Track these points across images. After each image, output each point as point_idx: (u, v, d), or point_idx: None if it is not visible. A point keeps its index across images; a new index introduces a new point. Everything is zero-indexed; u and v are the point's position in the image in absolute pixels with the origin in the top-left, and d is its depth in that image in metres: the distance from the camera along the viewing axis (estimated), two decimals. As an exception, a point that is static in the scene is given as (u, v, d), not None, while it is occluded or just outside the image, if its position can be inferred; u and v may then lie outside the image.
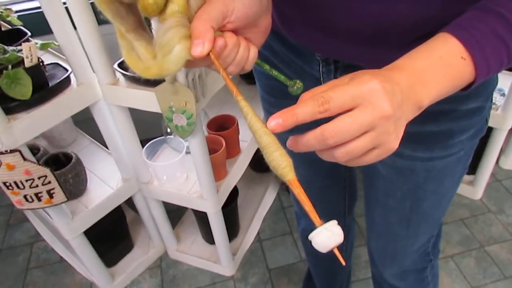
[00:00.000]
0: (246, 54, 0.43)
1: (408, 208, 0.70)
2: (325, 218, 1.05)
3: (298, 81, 0.52)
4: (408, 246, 0.78)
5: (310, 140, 0.34)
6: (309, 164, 0.78)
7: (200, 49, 0.38)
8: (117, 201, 1.19)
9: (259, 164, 1.61)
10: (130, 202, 1.28)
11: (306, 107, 0.33)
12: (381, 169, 0.67)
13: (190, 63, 0.41)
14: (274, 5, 0.46)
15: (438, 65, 0.37)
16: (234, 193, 1.35)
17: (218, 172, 1.12)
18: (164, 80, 0.82)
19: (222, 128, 1.18)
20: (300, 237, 1.13)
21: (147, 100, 0.91)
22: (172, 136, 1.20)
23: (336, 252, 0.35)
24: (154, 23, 0.45)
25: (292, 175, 0.36)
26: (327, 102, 0.33)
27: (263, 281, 1.41)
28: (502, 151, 1.60)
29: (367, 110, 0.33)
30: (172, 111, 0.86)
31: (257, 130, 0.36)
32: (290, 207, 1.65)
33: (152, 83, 0.87)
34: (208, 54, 0.39)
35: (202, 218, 1.33)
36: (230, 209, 1.33)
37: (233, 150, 1.22)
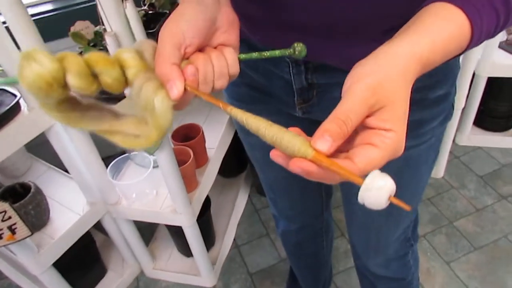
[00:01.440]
0: (223, 61, 0.41)
1: None
2: (306, 217, 1.05)
3: (296, 44, 0.45)
4: (390, 236, 0.79)
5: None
6: (284, 170, 0.77)
7: (175, 90, 0.37)
8: (85, 227, 1.12)
9: (227, 169, 1.59)
10: (98, 224, 1.22)
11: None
12: None
13: (180, 104, 0.39)
14: (238, 9, 0.44)
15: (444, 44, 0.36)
16: (207, 202, 1.32)
17: (189, 183, 1.09)
18: (125, 96, 0.78)
19: (187, 138, 1.15)
20: (280, 238, 1.12)
21: (107, 119, 0.86)
22: (136, 152, 1.15)
23: (394, 200, 0.32)
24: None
25: (311, 151, 0.32)
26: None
27: (246, 287, 1.39)
28: (457, 129, 1.67)
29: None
30: (136, 128, 0.83)
31: (258, 128, 0.35)
32: (263, 209, 1.64)
33: (113, 99, 0.82)
34: (185, 89, 0.38)
35: (176, 231, 1.29)
36: (205, 219, 1.30)
37: (201, 159, 1.19)
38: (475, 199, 1.59)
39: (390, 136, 0.32)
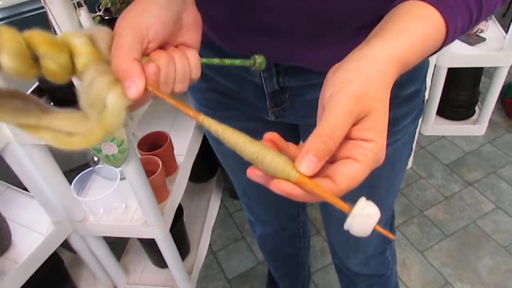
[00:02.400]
0: (186, 63, 0.38)
1: (361, 194, 0.70)
2: (282, 220, 1.03)
3: (256, 57, 0.45)
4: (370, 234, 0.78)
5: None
6: None
7: (134, 89, 0.33)
8: (51, 248, 1.06)
9: (197, 175, 1.55)
10: (65, 242, 1.16)
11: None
12: None
13: (135, 105, 0.35)
14: (203, 11, 0.41)
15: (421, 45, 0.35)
16: (179, 210, 1.28)
17: (159, 193, 1.05)
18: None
19: (154, 146, 1.11)
20: (257, 243, 1.10)
21: (67, 133, 0.81)
22: (102, 165, 1.10)
23: (379, 229, 0.32)
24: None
25: (295, 173, 0.30)
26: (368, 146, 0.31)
27: (225, 294, 1.36)
28: (422, 120, 1.71)
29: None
30: (99, 141, 0.78)
31: (237, 143, 0.32)
32: (237, 212, 1.62)
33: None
34: (146, 88, 0.34)
35: (149, 243, 1.25)
36: (178, 229, 1.26)
37: (170, 167, 1.15)
38: (443, 187, 1.63)
39: (371, 147, 0.31)
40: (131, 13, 0.36)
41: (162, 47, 0.38)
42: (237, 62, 0.43)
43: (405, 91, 0.56)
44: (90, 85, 0.33)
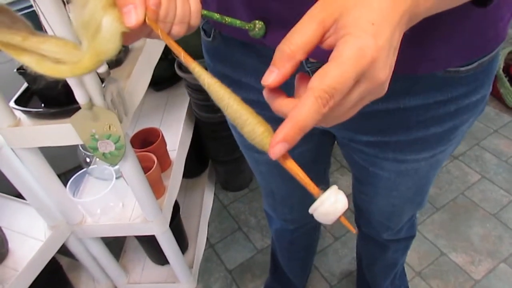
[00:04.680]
0: (187, 6, 0.36)
1: (412, 193, 0.71)
2: (305, 217, 1.01)
3: (257, 22, 0.44)
4: (409, 214, 0.82)
5: (308, 118, 0.28)
6: (289, 180, 0.74)
7: (134, 17, 0.31)
8: (50, 253, 1.05)
9: (189, 169, 1.54)
10: (60, 248, 1.14)
11: (309, 114, 0.28)
12: (383, 173, 0.66)
13: (128, 38, 0.33)
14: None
15: None
16: (175, 206, 1.27)
17: (157, 189, 1.05)
18: (79, 108, 0.73)
19: (147, 143, 1.10)
20: (273, 236, 1.10)
21: (61, 134, 0.80)
22: (95, 166, 1.09)
23: (344, 221, 0.31)
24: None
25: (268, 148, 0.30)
26: (332, 97, 0.28)
27: (227, 284, 1.37)
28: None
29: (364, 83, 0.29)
30: (95, 139, 0.77)
31: (220, 101, 0.31)
32: (232, 203, 1.62)
33: (64, 113, 0.77)
34: (144, 20, 0.32)
35: (147, 241, 1.25)
36: (176, 224, 1.26)
37: (164, 162, 1.14)
38: (430, 162, 1.67)
39: (346, 40, 0.28)
40: None
41: None
42: (237, 22, 0.43)
43: (468, 100, 0.53)
44: (85, 4, 0.31)
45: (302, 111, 0.28)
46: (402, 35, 0.31)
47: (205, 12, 0.40)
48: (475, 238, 1.40)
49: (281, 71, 0.30)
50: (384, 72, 0.29)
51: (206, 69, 0.34)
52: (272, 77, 0.30)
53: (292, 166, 0.31)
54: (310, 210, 0.31)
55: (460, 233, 1.42)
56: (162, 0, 0.34)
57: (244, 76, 0.58)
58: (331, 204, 0.30)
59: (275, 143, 0.29)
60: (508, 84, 1.81)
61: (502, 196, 1.51)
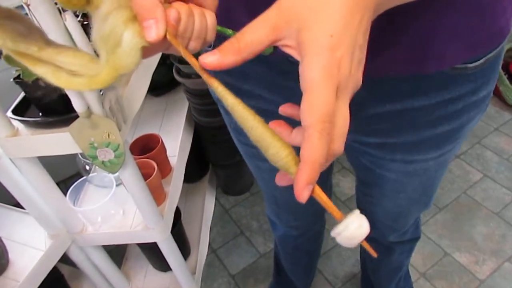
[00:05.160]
0: (204, 22, 0.36)
1: (419, 194, 0.71)
2: (310, 224, 1.00)
3: None
4: (415, 215, 0.82)
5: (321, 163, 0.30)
6: (292, 187, 0.74)
7: (154, 32, 0.31)
8: (51, 262, 1.04)
9: (189, 174, 1.54)
10: (62, 257, 1.14)
11: (320, 150, 0.29)
12: (391, 175, 0.65)
13: (146, 52, 0.33)
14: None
15: None
16: (176, 212, 1.27)
17: (158, 196, 1.04)
18: (77, 117, 0.72)
19: (146, 149, 1.10)
20: (277, 242, 1.10)
21: (59, 144, 0.79)
22: (94, 173, 1.08)
23: (365, 244, 0.32)
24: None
25: (294, 171, 0.31)
26: (330, 122, 0.29)
27: (230, 290, 1.36)
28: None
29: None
30: (94, 148, 0.77)
31: (245, 124, 0.31)
32: (233, 207, 1.61)
33: (62, 122, 0.76)
34: (165, 35, 0.32)
35: (148, 248, 1.24)
36: (177, 230, 1.25)
37: (164, 169, 1.14)
38: (431, 162, 1.66)
39: (309, 61, 0.29)
40: None
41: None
42: None
43: (477, 97, 0.53)
44: (105, 18, 0.31)
45: (314, 150, 0.29)
46: (369, 29, 0.31)
47: (219, 28, 0.39)
48: (478, 238, 1.39)
49: (222, 59, 0.30)
50: (352, 72, 0.30)
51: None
52: (211, 58, 0.31)
53: (318, 192, 0.31)
54: (333, 234, 0.32)
55: (464, 233, 1.41)
56: (182, 15, 0.33)
57: (247, 84, 0.58)
58: (355, 228, 0.31)
59: (301, 190, 0.29)
60: (507, 82, 1.81)
61: (504, 195, 1.50)
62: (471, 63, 0.48)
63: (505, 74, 1.83)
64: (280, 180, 0.33)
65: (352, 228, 0.31)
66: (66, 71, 0.32)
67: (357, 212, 0.32)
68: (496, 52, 0.49)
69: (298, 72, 0.50)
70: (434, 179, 0.69)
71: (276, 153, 0.31)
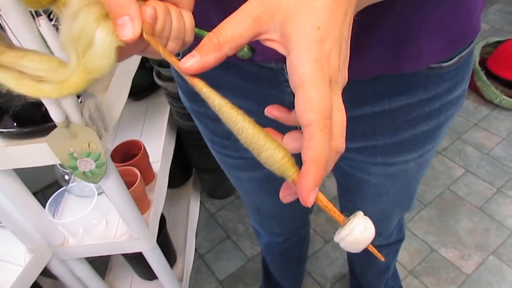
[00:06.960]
0: (182, 21, 0.33)
1: (402, 196, 0.70)
2: (293, 230, 1.00)
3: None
4: (398, 217, 0.81)
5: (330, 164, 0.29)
6: (273, 195, 0.72)
7: (130, 29, 0.28)
8: (32, 277, 0.99)
9: (173, 179, 1.50)
10: (43, 270, 1.09)
11: (324, 147, 0.27)
12: (372, 179, 0.64)
13: (120, 54, 0.30)
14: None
15: None
16: (161, 219, 1.24)
17: (142, 204, 1.01)
18: (55, 127, 0.68)
19: (128, 156, 1.06)
20: (263, 249, 1.09)
21: (36, 155, 0.75)
22: (74, 183, 1.04)
23: (372, 249, 0.30)
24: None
25: (291, 175, 0.29)
26: (330, 117, 0.28)
27: (219, 296, 1.34)
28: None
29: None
30: (74, 158, 0.73)
31: (234, 126, 0.29)
32: (219, 211, 1.59)
33: (39, 132, 0.72)
34: (141, 34, 0.29)
35: (133, 257, 1.20)
36: (163, 238, 1.22)
37: (147, 175, 1.11)
38: (414, 159, 1.67)
39: (298, 57, 0.27)
40: None
41: None
42: None
43: (452, 95, 0.53)
44: (75, 16, 0.27)
45: (319, 149, 0.26)
46: (351, 23, 0.30)
47: (196, 30, 0.36)
48: (463, 232, 1.40)
49: (203, 59, 0.28)
50: (340, 67, 0.29)
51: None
52: (191, 61, 0.28)
53: (319, 196, 0.29)
54: (336, 239, 0.30)
55: (449, 228, 1.42)
56: (159, 13, 0.30)
57: (220, 93, 0.56)
58: (361, 232, 0.29)
59: (308, 193, 0.27)
60: (484, 77, 1.84)
61: (486, 189, 1.53)
62: (445, 62, 0.48)
63: (482, 70, 1.86)
64: (285, 197, 0.30)
65: (357, 232, 0.29)
66: (31, 77, 0.29)
67: (360, 214, 0.30)
68: (469, 51, 0.50)
69: (270, 77, 0.49)
70: (415, 179, 0.69)
71: (270, 155, 0.29)
